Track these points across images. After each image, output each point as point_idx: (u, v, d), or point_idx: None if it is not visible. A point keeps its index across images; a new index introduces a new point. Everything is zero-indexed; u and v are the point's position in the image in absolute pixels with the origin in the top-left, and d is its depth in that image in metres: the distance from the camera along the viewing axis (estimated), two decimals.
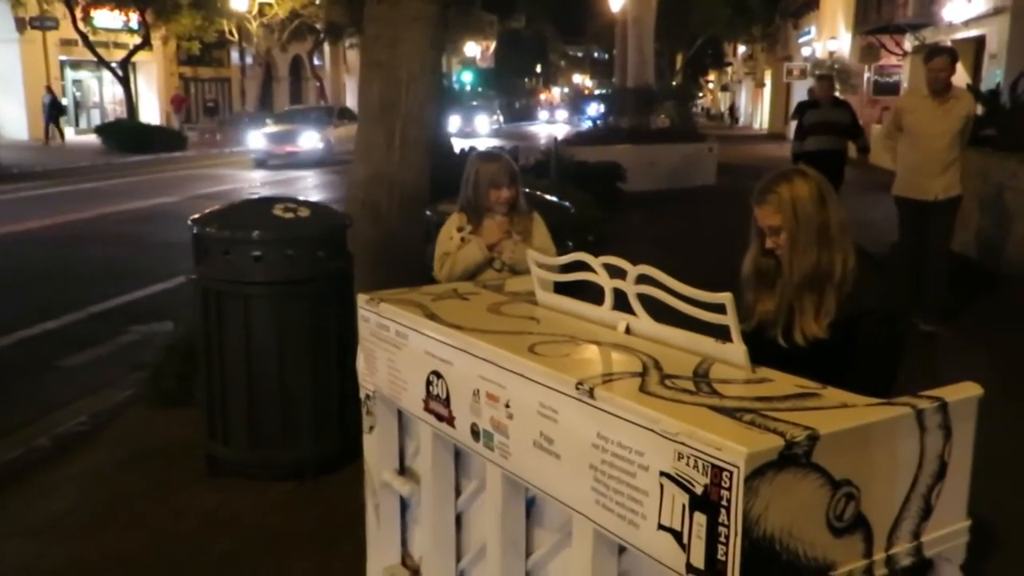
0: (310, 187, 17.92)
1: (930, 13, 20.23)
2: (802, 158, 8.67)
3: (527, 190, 5.35)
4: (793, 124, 14.29)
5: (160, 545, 3.44)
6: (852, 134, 9.40)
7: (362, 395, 2.76)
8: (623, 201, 12.61)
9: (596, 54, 70.90)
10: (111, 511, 3.71)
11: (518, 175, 3.62)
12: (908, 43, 21.93)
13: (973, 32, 18.39)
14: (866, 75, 26.74)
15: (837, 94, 10.14)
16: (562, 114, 60.49)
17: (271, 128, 24.10)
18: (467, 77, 48.09)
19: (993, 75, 16.15)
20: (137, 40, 27.25)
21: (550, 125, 49.23)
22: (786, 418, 1.65)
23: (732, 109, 55.08)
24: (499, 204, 3.54)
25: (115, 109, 31.51)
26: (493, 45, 47.30)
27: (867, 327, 2.48)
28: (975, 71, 18.57)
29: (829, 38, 29.98)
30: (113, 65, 26.50)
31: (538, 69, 74.32)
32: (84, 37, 25.56)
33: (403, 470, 2.73)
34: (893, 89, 24.20)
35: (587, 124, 23.91)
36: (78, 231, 11.60)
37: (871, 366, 2.48)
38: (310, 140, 22.64)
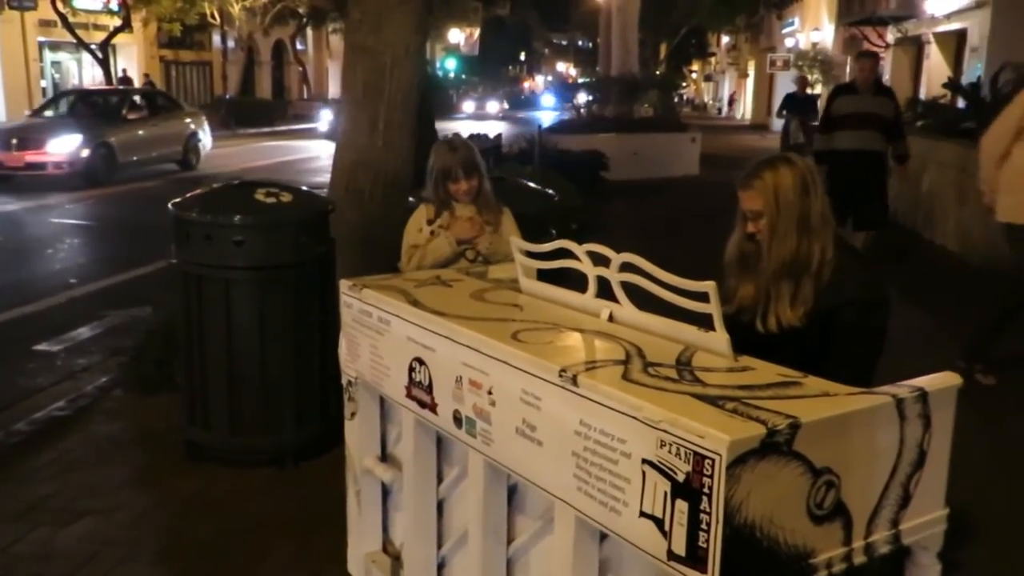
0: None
1: (913, 5, 20.31)
2: (828, 159, 7.14)
3: (519, 179, 5.36)
4: (781, 119, 14.18)
5: (139, 531, 3.42)
6: (892, 133, 7.32)
7: (344, 381, 2.76)
8: (606, 190, 12.62)
9: (580, 43, 70.81)
10: (90, 496, 3.68)
11: (478, 164, 3.52)
12: (891, 35, 22.02)
13: (955, 25, 18.48)
14: (848, 67, 26.84)
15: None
16: (495, 105, 47.71)
17: (5, 124, 15.89)
18: (451, 64, 47.87)
19: (974, 68, 16.24)
20: (117, 22, 26.92)
21: (478, 122, 33.96)
22: (768, 406, 1.66)
23: (736, 99, 49.80)
24: (459, 195, 3.50)
25: None
26: (477, 32, 47.06)
27: (847, 317, 2.50)
28: (956, 64, 18.67)
29: (812, 29, 30.10)
30: (93, 47, 26.18)
31: (522, 57, 74.19)
32: (63, 18, 25.22)
33: (385, 457, 2.73)
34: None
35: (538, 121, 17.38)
36: (56, 214, 11.48)
37: (850, 355, 2.50)
38: (66, 144, 13.86)
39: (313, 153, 20.49)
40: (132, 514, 3.54)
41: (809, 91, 15.46)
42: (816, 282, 2.53)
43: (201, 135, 17.54)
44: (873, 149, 7.19)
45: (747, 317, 2.62)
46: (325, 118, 26.25)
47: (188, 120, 17.42)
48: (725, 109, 50.43)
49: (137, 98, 16.97)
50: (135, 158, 15.24)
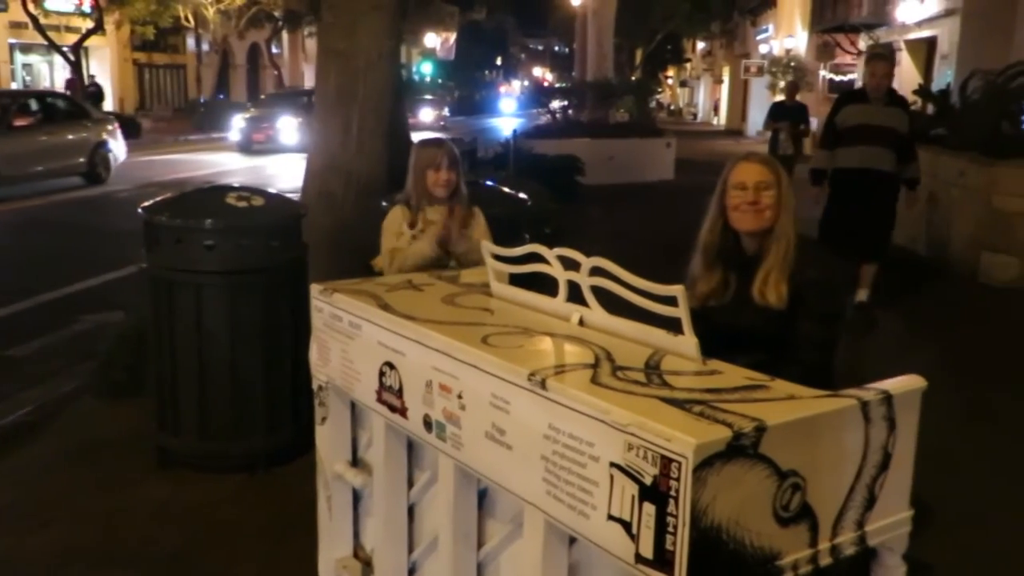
0: None
1: (884, 13, 20.55)
2: (831, 178, 6.28)
3: (491, 183, 5.35)
4: (769, 129, 13.91)
5: (108, 538, 3.38)
6: (903, 151, 6.19)
7: (315, 386, 2.75)
8: (581, 194, 12.64)
9: (556, 48, 71.09)
10: (58, 503, 3.64)
11: (459, 161, 3.55)
12: (862, 42, 22.26)
13: (925, 33, 18.72)
14: (821, 73, 27.13)
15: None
16: (430, 113, 34.94)
17: None
18: (427, 68, 47.85)
19: (944, 76, 16.45)
20: (90, 24, 26.66)
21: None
22: (735, 409, 1.67)
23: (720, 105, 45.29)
24: (437, 187, 3.49)
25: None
26: (453, 36, 47.05)
27: (808, 299, 2.56)
28: (927, 71, 18.91)
29: (786, 36, 30.35)
30: (65, 49, 25.93)
31: (498, 62, 74.33)
32: (34, 20, 24.96)
33: (356, 461, 2.72)
34: (848, 87, 24.58)
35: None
36: (27, 218, 11.35)
37: (814, 338, 2.56)
38: None
39: (228, 166, 18.08)
40: (101, 521, 3.50)
41: (798, 98, 14.73)
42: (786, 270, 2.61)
43: (112, 145, 15.21)
44: (882, 168, 6.13)
45: (713, 307, 2.67)
46: (237, 125, 22.03)
47: (95, 128, 15.03)
48: (711, 115, 50.00)
49: (31, 103, 14.85)
50: (22, 171, 13.21)
